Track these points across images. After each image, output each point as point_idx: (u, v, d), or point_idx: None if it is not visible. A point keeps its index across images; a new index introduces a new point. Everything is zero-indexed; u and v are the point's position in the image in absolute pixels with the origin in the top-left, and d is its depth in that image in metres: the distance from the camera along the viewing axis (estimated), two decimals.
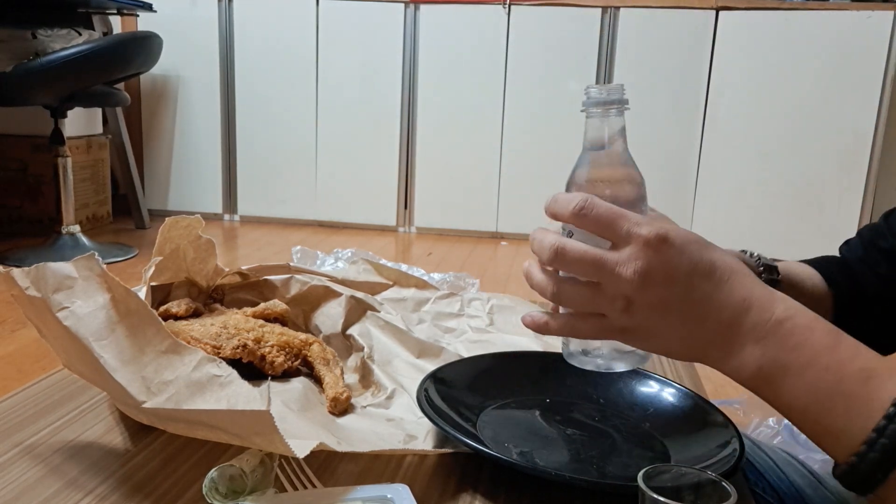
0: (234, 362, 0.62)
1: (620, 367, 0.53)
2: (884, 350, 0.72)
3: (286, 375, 0.66)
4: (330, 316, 0.77)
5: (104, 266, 0.51)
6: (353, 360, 0.72)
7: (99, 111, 3.34)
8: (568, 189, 0.52)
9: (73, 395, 0.62)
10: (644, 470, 0.41)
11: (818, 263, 0.72)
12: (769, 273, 0.64)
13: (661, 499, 0.39)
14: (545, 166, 3.36)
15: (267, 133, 3.51)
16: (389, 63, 3.36)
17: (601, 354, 0.53)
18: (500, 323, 0.84)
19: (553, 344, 0.78)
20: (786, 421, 1.52)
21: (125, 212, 3.38)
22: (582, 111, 0.51)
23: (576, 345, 0.54)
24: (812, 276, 0.70)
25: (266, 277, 0.80)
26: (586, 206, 0.47)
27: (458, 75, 3.33)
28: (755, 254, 0.66)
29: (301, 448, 0.45)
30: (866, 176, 3.12)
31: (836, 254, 0.76)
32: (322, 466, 0.52)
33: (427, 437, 0.56)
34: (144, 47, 2.72)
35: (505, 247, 3.31)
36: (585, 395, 0.64)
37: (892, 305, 0.70)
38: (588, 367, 0.53)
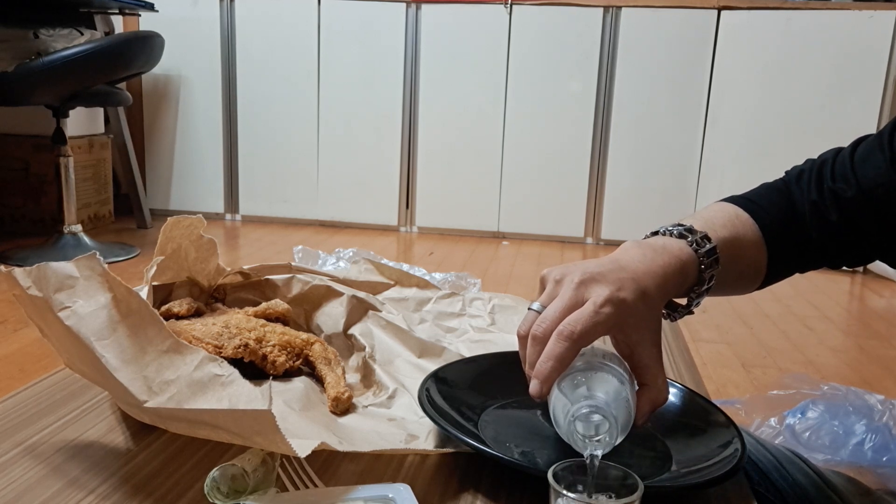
0: (235, 362, 0.62)
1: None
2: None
3: (288, 375, 0.66)
4: (331, 315, 0.77)
5: (106, 265, 0.51)
6: (355, 360, 0.72)
7: (101, 111, 3.35)
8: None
9: (74, 394, 0.62)
10: (553, 467, 0.42)
11: (765, 213, 0.68)
12: (709, 259, 0.61)
13: (569, 493, 0.40)
14: (547, 166, 3.36)
15: (268, 133, 3.51)
16: (391, 63, 3.36)
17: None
18: (502, 323, 0.84)
19: None
20: (787, 421, 1.52)
21: (127, 211, 3.39)
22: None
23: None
24: (753, 244, 0.67)
25: (268, 277, 0.80)
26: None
27: (459, 75, 3.33)
28: (701, 243, 0.61)
29: (302, 447, 0.45)
30: None
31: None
32: (323, 466, 0.52)
33: (428, 437, 0.56)
34: (146, 47, 2.72)
35: (506, 246, 3.30)
36: None
37: (832, 247, 0.68)
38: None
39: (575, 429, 0.49)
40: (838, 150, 0.70)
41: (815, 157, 0.71)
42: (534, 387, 0.52)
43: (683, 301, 0.64)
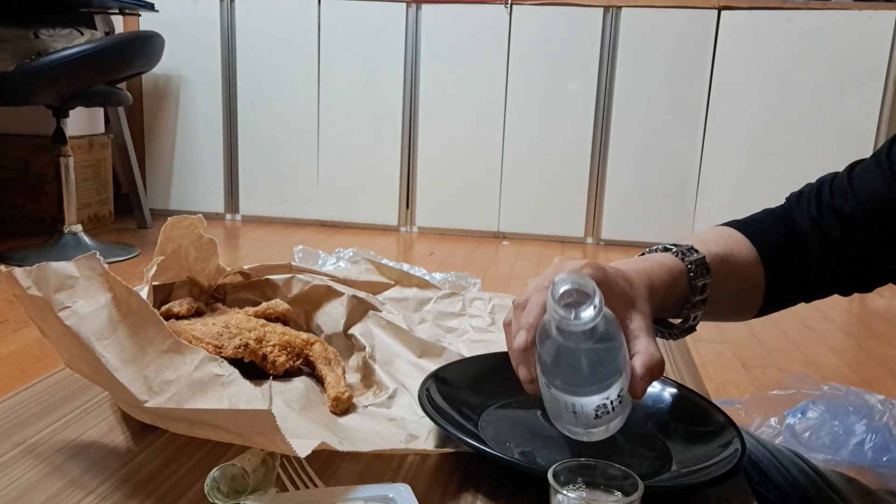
0: (235, 362, 0.62)
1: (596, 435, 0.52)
2: (808, 298, 0.71)
3: (288, 375, 0.66)
4: (331, 315, 0.77)
5: (106, 265, 0.51)
6: (355, 360, 0.72)
7: (101, 111, 3.34)
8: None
9: (74, 394, 0.62)
10: (553, 467, 0.43)
11: (761, 234, 0.69)
12: (698, 267, 0.62)
13: (568, 493, 0.41)
14: (547, 166, 3.36)
15: (269, 132, 3.51)
16: (391, 63, 3.36)
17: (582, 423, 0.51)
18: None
19: None
20: (787, 421, 1.52)
21: (127, 211, 3.39)
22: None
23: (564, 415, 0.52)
24: (749, 263, 0.67)
25: (268, 277, 0.80)
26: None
27: (459, 75, 3.33)
28: (687, 254, 0.63)
29: (303, 447, 0.45)
30: None
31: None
32: (324, 466, 0.52)
33: (428, 437, 0.56)
34: (146, 47, 2.72)
35: (506, 246, 3.30)
36: None
37: (836, 268, 0.68)
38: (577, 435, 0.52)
39: (557, 311, 0.47)
40: (836, 173, 0.71)
41: (814, 180, 0.73)
42: (520, 337, 0.52)
43: (678, 321, 0.65)
